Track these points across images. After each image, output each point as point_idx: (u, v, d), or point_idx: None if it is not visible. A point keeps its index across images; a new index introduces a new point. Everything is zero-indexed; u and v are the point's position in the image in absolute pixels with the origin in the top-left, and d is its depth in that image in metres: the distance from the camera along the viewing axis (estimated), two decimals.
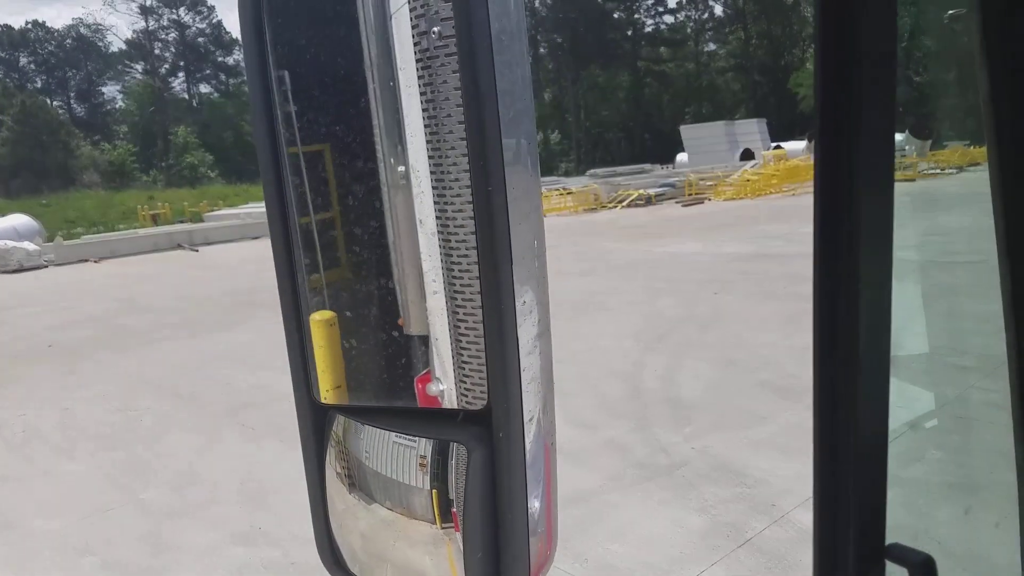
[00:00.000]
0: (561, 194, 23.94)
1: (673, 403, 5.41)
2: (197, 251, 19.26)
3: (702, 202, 22.15)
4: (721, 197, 22.57)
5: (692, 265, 11.42)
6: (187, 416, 6.00)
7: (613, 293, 9.78)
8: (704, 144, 34.01)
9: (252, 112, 0.51)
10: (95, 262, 18.37)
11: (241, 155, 59.63)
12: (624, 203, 22.94)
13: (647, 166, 35.89)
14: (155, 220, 28.55)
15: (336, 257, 0.52)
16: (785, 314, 7.69)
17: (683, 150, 36.03)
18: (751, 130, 35.50)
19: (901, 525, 0.73)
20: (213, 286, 13.19)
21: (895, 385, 0.69)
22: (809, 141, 36.20)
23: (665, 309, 8.48)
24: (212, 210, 29.79)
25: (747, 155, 32.35)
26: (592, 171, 34.91)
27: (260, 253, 18.24)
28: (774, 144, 34.62)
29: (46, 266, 18.29)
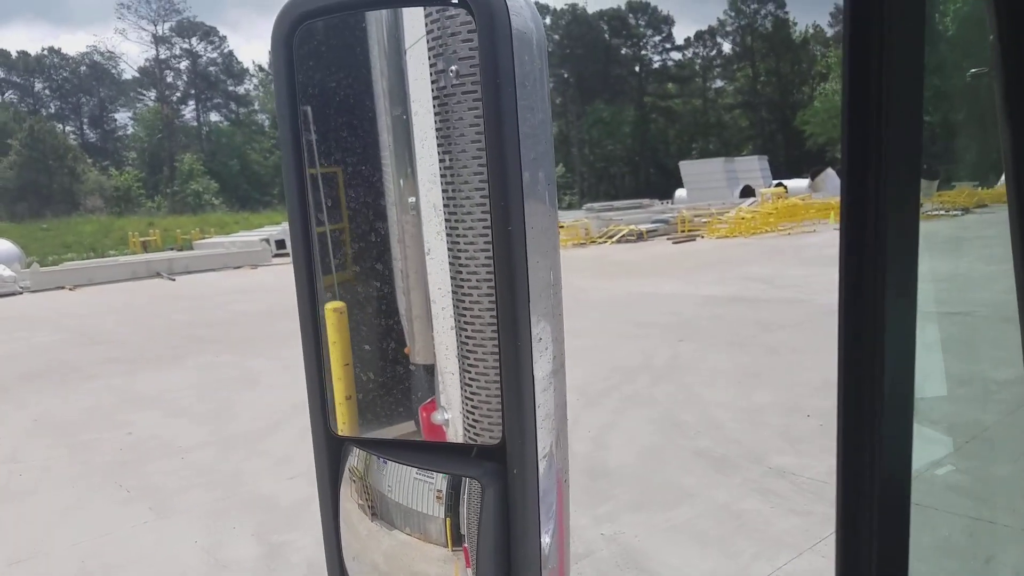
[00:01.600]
0: (560, 227, 23.48)
1: (596, 474, 4.82)
2: (174, 280, 18.94)
3: (694, 239, 21.65)
4: (714, 235, 22.06)
5: (665, 307, 10.87)
6: (70, 471, 5.47)
7: (573, 337, 9.18)
8: (703, 180, 33.67)
9: (283, 153, 0.52)
10: (70, 289, 18.07)
11: (246, 183, 60.17)
12: (614, 239, 22.49)
13: (645, 201, 35.51)
14: (145, 247, 28.42)
15: (348, 284, 0.52)
16: (747, 367, 7.12)
17: (683, 186, 35.74)
18: (752, 167, 35.15)
19: (923, 564, 0.71)
20: (175, 317, 12.78)
21: (918, 429, 0.68)
22: (812, 179, 35.86)
23: (623, 357, 7.91)
24: (204, 238, 29.65)
25: (747, 192, 31.94)
26: (588, 205, 34.60)
27: (236, 284, 17.88)
28: (775, 182, 34.24)
29: (21, 292, 18.00)
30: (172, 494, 4.86)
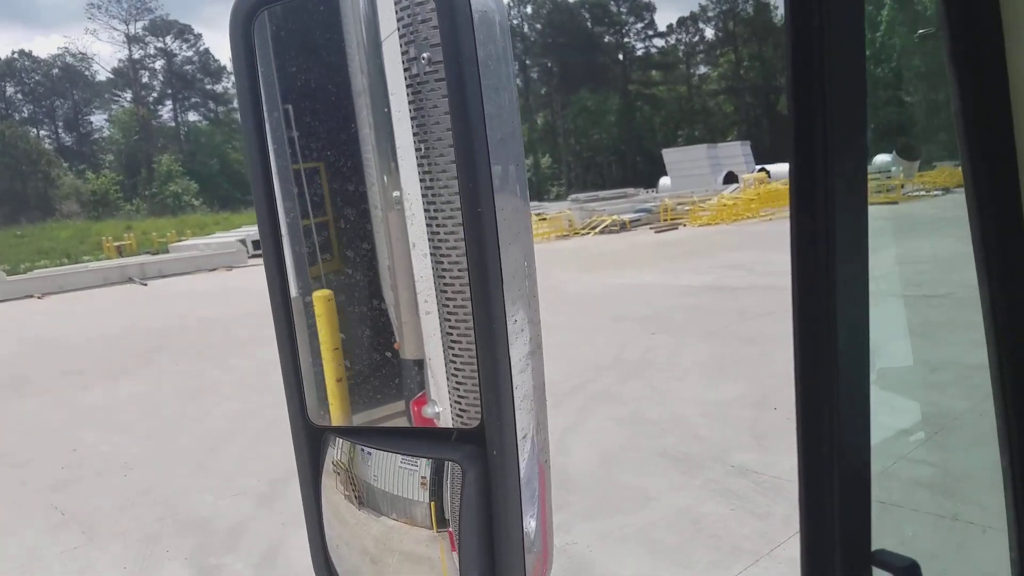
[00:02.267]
0: (539, 220, 23.28)
1: (554, 481, 4.59)
2: (146, 285, 18.55)
3: (676, 228, 21.49)
4: (696, 223, 21.90)
5: (642, 299, 10.67)
6: (4, 493, 5.19)
7: (547, 332, 8.96)
8: (686, 167, 33.45)
9: (246, 146, 0.51)
10: (39, 298, 17.65)
11: (227, 183, 59.40)
12: (597, 229, 22.28)
13: (630, 190, 35.35)
14: (120, 252, 27.85)
15: (331, 279, 0.52)
16: (718, 360, 6.93)
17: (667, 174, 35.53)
18: (734, 153, 34.96)
19: (887, 531, 0.73)
20: (139, 325, 12.44)
21: (877, 395, 0.69)
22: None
23: (594, 352, 7.70)
24: (180, 240, 29.13)
25: (731, 178, 31.79)
26: (573, 196, 34.37)
27: (207, 287, 17.53)
28: (758, 167, 34.11)
29: None
30: (108, 516, 4.60)
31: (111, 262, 23.13)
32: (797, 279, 0.66)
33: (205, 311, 13.28)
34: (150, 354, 9.73)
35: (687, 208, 23.69)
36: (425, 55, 0.44)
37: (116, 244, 28.51)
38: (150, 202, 52.52)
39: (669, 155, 35.96)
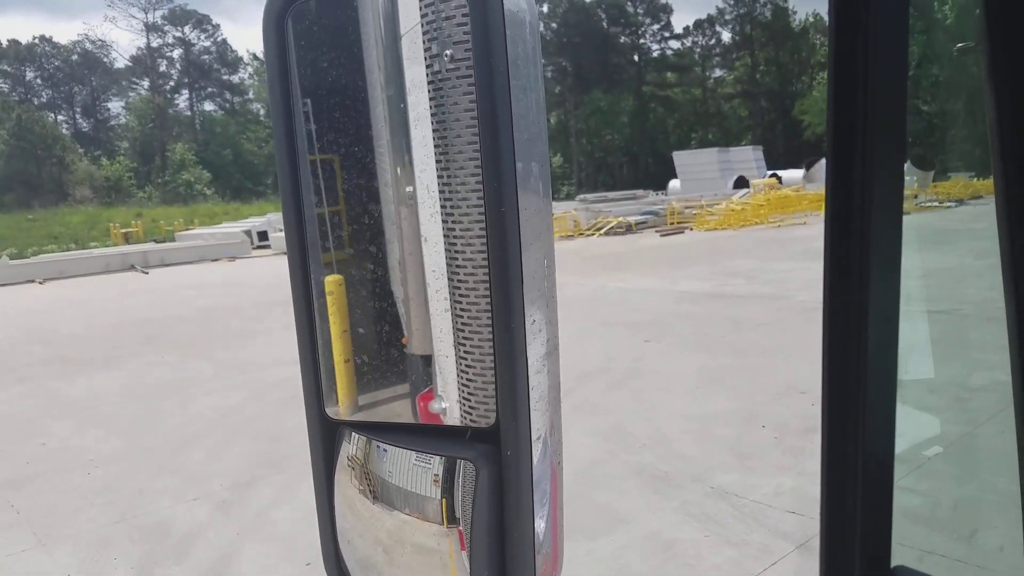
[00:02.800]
0: None
1: None
2: (147, 273, 18.52)
3: (682, 232, 21.19)
4: (703, 227, 21.59)
5: (637, 304, 10.44)
6: None
7: None
8: (697, 171, 33.06)
9: (275, 138, 0.51)
10: (40, 283, 17.66)
11: (240, 173, 59.60)
12: (602, 231, 22.03)
13: (639, 192, 34.98)
14: (127, 239, 27.91)
15: (345, 272, 0.52)
16: (710, 371, 6.70)
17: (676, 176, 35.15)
18: (746, 157, 34.53)
19: (907, 548, 0.73)
20: (133, 314, 12.37)
21: (902, 409, 0.69)
22: (807, 169, 35.25)
23: (583, 360, 7.49)
24: (188, 229, 29.18)
25: (741, 183, 31.39)
26: (582, 196, 34.08)
27: (207, 277, 17.47)
28: (770, 172, 33.68)
29: None
30: (64, 517, 4.46)
31: (114, 249, 23.14)
32: (829, 290, 0.65)
33: (202, 301, 13.20)
34: (140, 344, 9.63)
35: (695, 212, 23.37)
36: (448, 52, 0.44)
37: (123, 231, 28.54)
38: (162, 190, 52.83)
39: (679, 158, 35.59)
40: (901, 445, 0.70)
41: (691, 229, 21.64)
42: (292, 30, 0.49)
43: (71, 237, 32.82)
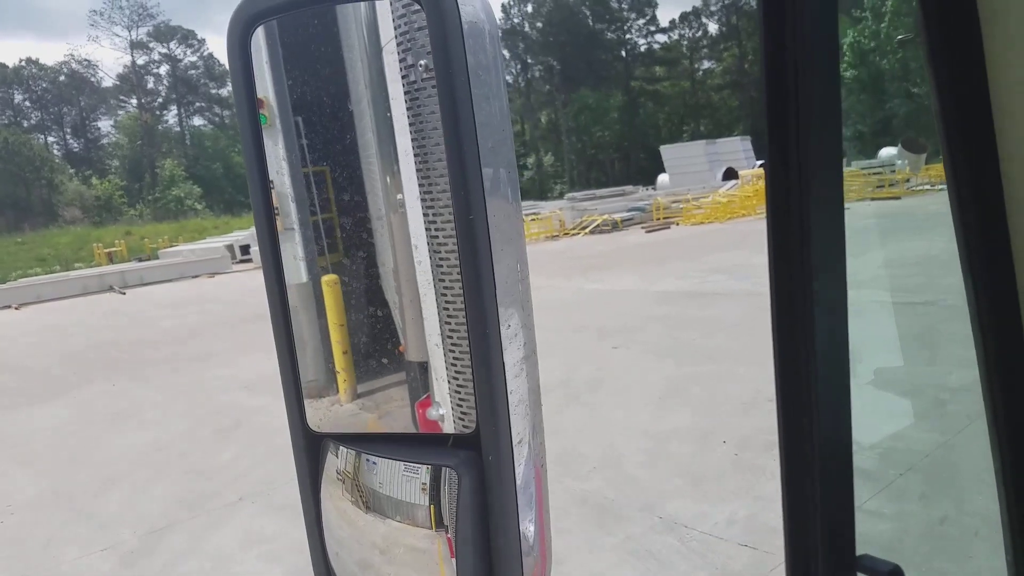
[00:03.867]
0: (530, 221, 22.68)
1: None
2: (124, 294, 18.19)
3: (668, 227, 20.82)
4: (689, 221, 21.22)
5: (612, 307, 10.08)
6: None
7: None
8: (685, 164, 32.63)
9: (245, 156, 0.52)
10: (16, 308, 17.35)
11: (231, 187, 59.36)
12: (587, 229, 21.67)
13: (628, 188, 34.58)
14: (110, 258, 27.57)
15: (339, 289, 0.53)
16: (675, 380, 6.34)
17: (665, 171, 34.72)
18: (734, 148, 34.06)
19: (873, 537, 0.72)
20: (97, 337, 12.04)
21: (859, 397, 0.68)
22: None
23: (543, 371, 7.06)
24: (172, 245, 28.82)
25: (730, 174, 30.97)
26: (570, 194, 33.70)
27: (183, 296, 17.13)
28: (759, 162, 33.25)
29: None
30: None
31: (91, 270, 22.78)
32: (775, 281, 0.65)
33: (170, 322, 12.87)
34: (95, 371, 9.30)
35: (681, 206, 22.99)
36: (422, 62, 0.44)
37: (107, 251, 28.20)
38: (153, 207, 52.57)
39: (667, 151, 35.14)
40: (859, 434, 0.69)
41: (677, 224, 21.27)
42: (264, 45, 0.49)
43: (59, 259, 32.52)
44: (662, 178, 34.40)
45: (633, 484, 4.42)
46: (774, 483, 4.69)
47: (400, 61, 0.45)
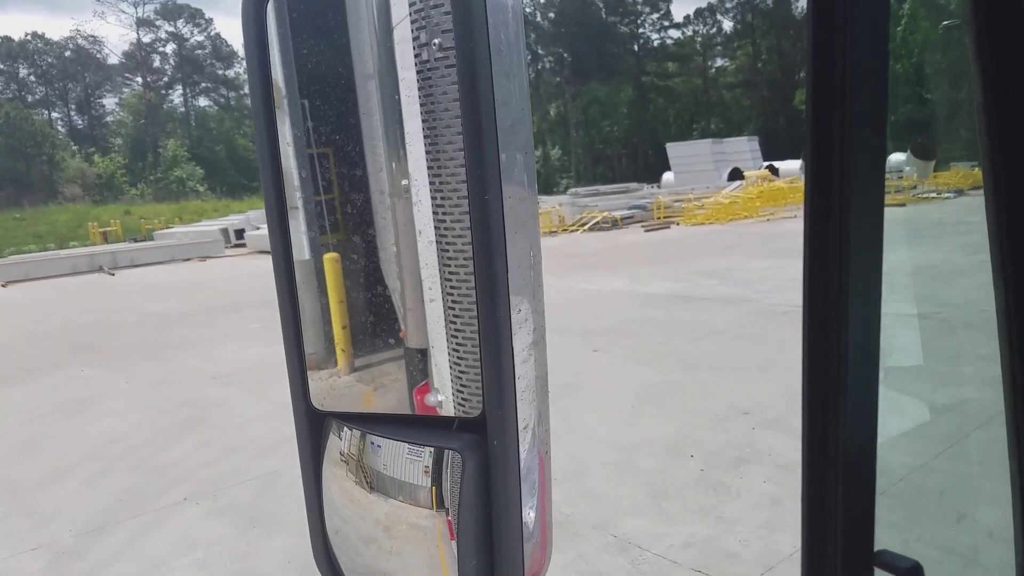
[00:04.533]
0: None
1: None
2: (113, 275, 18.03)
3: (668, 227, 20.54)
4: (690, 222, 20.94)
5: (599, 308, 9.86)
6: None
7: None
8: (691, 163, 32.24)
9: (256, 133, 0.51)
10: (2, 286, 17.21)
11: (234, 169, 59.15)
12: (587, 226, 21.41)
13: (633, 185, 34.22)
14: (105, 238, 27.40)
15: (340, 267, 0.52)
16: (652, 388, 6.13)
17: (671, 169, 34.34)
18: (741, 148, 33.64)
19: (891, 532, 0.73)
20: (77, 320, 11.88)
21: (885, 393, 0.69)
22: (804, 160, 34.27)
23: None
24: (169, 227, 28.65)
25: (736, 174, 30.62)
26: (574, 189, 33.38)
27: (172, 279, 16.97)
28: (766, 163, 32.88)
29: None
30: None
31: (82, 250, 22.61)
32: (809, 272, 0.64)
33: (153, 306, 12.70)
34: (67, 355, 9.14)
35: (683, 205, 22.70)
36: (436, 41, 0.43)
37: (102, 230, 28.02)
38: (154, 187, 52.39)
39: (673, 149, 34.74)
40: (885, 432, 0.68)
41: (678, 224, 20.99)
42: (274, 21, 0.48)
43: (57, 236, 32.40)
44: (667, 176, 34.02)
45: (592, 499, 4.22)
46: (737, 503, 4.52)
47: (413, 39, 0.44)
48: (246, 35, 0.49)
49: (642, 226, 21.04)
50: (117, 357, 8.81)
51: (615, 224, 21.54)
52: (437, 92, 0.44)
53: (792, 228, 17.41)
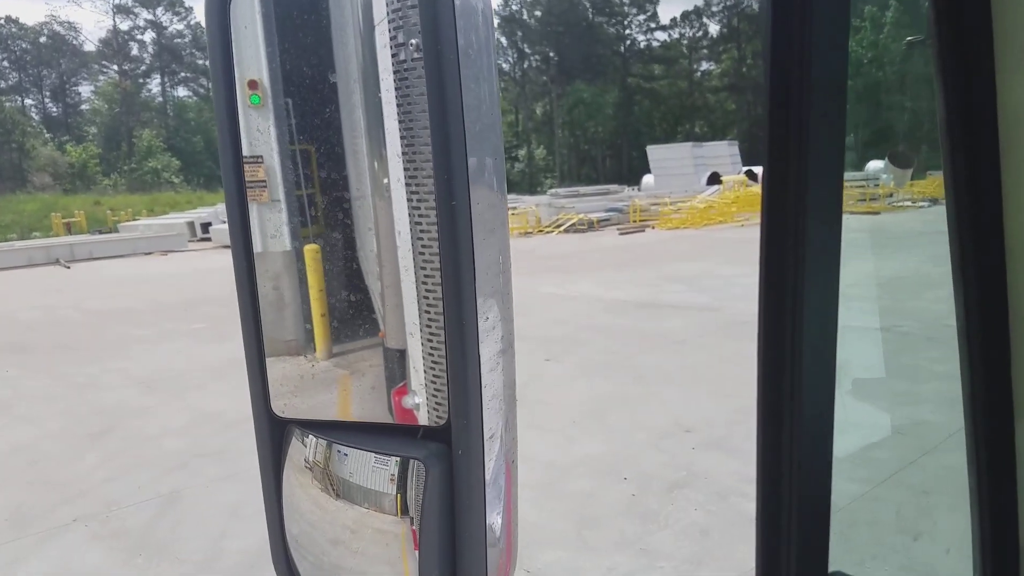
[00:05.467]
0: (510, 215, 22.04)
1: None
2: (68, 268, 17.42)
3: (643, 230, 20.35)
4: (665, 225, 20.76)
5: (559, 314, 9.58)
6: None
7: None
8: (670, 166, 32.08)
9: (219, 130, 0.52)
10: None
11: (211, 160, 58.11)
12: (562, 228, 21.15)
13: (614, 187, 34.01)
14: (69, 229, 26.62)
15: (320, 258, 0.52)
16: (599, 401, 5.85)
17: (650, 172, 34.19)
18: (720, 152, 33.58)
19: (846, 552, 0.70)
20: (17, 316, 11.35)
21: (841, 411, 0.68)
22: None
23: None
24: (136, 219, 27.90)
25: (715, 179, 30.53)
26: (553, 190, 33.11)
27: (129, 272, 16.41)
28: (746, 168, 32.85)
29: None
30: None
31: (39, 241, 21.84)
32: (765, 283, 0.64)
33: (100, 303, 12.21)
34: None
35: (661, 209, 22.54)
36: (413, 41, 0.43)
37: (65, 221, 27.21)
38: (128, 177, 51.26)
39: (653, 152, 34.57)
40: (840, 448, 0.67)
41: (653, 228, 20.81)
42: (240, 17, 0.48)
43: (22, 226, 31.45)
44: (647, 179, 33.85)
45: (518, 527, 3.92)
46: (665, 532, 4.23)
47: (391, 39, 0.44)
48: (209, 34, 0.48)
49: (617, 229, 20.83)
50: (47, 357, 8.36)
51: (591, 226, 21.31)
52: (414, 93, 0.43)
53: None
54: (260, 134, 0.50)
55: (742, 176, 27.21)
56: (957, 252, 0.57)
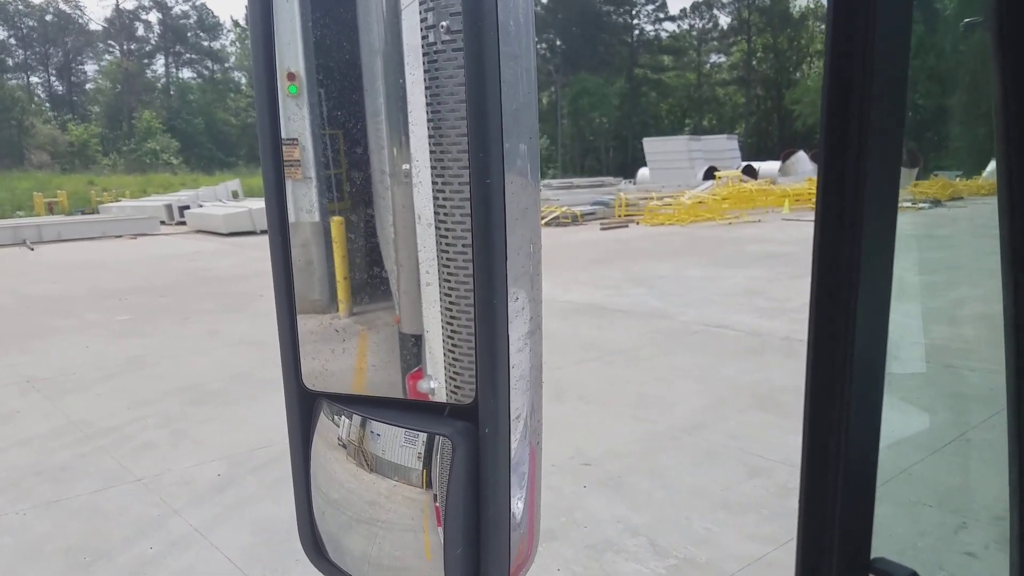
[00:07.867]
0: None
1: None
2: (32, 250, 17.04)
3: (627, 226, 19.71)
4: (650, 221, 20.11)
5: None
6: None
7: None
8: (666, 159, 31.32)
9: (258, 113, 0.53)
10: None
11: (211, 143, 57.74)
12: (543, 221, 20.52)
13: (610, 179, 33.35)
14: (51, 209, 26.30)
15: (344, 229, 0.53)
16: None
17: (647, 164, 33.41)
18: (719, 146, 32.70)
19: (889, 539, 0.73)
20: None
21: (889, 400, 0.69)
22: (783, 161, 33.52)
23: None
24: (119, 200, 27.53)
25: (712, 173, 29.77)
26: (547, 182, 32.48)
27: (91, 257, 15.97)
28: (745, 163, 32.04)
29: None
30: None
31: (7, 222, 21.43)
32: (818, 277, 0.64)
33: (40, 287, 11.80)
34: None
35: (647, 204, 21.87)
36: (444, 23, 0.43)
37: (47, 201, 26.91)
38: (127, 158, 50.98)
39: (649, 144, 33.73)
40: (887, 438, 0.68)
41: (637, 223, 20.17)
42: (281, 12, 0.48)
43: (13, 204, 31.18)
44: (643, 172, 33.07)
45: None
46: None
47: (421, 21, 0.43)
48: (252, 27, 0.49)
49: (600, 224, 20.20)
50: None
51: (575, 220, 20.70)
52: (443, 75, 0.43)
53: (749, 234, 16.62)
54: (295, 121, 0.50)
55: (736, 172, 26.43)
56: (1008, 245, 0.55)
